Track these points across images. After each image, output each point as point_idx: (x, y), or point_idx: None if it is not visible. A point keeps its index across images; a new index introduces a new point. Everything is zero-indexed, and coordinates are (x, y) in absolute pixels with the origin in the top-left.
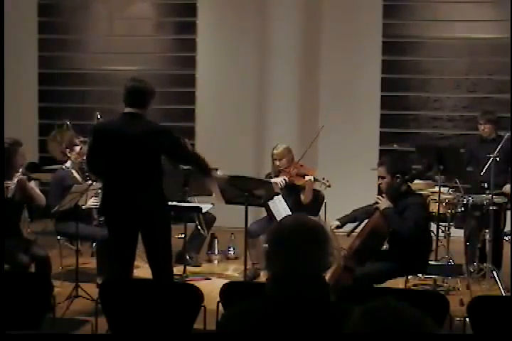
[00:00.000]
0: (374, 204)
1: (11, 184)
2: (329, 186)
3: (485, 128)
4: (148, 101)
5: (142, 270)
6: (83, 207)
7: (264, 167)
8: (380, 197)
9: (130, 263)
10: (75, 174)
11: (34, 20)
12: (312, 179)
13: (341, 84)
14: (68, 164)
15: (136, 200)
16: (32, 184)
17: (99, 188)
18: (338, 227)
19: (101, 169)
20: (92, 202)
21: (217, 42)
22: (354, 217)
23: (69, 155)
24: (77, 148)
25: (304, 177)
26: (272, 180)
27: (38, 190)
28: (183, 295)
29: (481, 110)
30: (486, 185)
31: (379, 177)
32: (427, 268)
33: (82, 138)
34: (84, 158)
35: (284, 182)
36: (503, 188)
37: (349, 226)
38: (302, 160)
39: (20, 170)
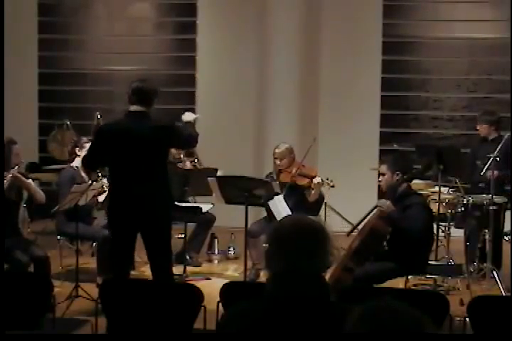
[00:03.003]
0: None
1: (5, 181)
2: (333, 186)
3: (480, 128)
4: (153, 99)
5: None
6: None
7: (264, 167)
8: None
9: (128, 263)
10: (83, 174)
11: (34, 20)
12: (320, 180)
13: (341, 84)
14: (77, 163)
15: (144, 198)
16: (29, 181)
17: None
18: None
19: (99, 165)
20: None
21: (217, 42)
22: None
23: (79, 153)
24: (88, 145)
25: (306, 177)
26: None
27: (36, 187)
28: (183, 295)
29: (481, 110)
30: (484, 185)
31: (379, 174)
32: (427, 268)
33: (90, 137)
34: None
35: None
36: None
37: (348, 226)
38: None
39: (16, 167)
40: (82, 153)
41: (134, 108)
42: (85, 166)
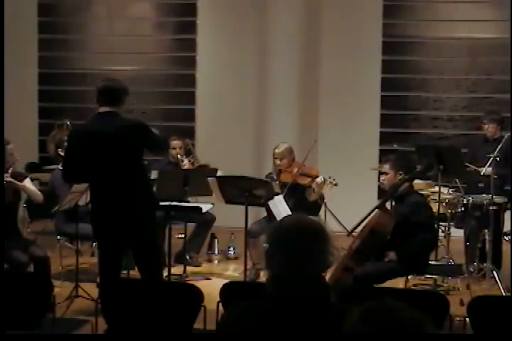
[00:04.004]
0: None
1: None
2: (336, 184)
3: (489, 128)
4: (121, 98)
5: None
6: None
7: (264, 167)
8: None
9: (118, 267)
10: None
11: (34, 20)
12: (322, 179)
13: (341, 84)
14: None
15: (126, 201)
16: (26, 182)
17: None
18: None
19: (78, 175)
20: None
21: (217, 42)
22: None
23: (62, 154)
24: None
25: (309, 177)
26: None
27: (32, 187)
28: (183, 295)
29: (482, 110)
30: (483, 185)
31: (382, 173)
32: (427, 268)
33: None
34: None
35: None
36: (483, 171)
37: (348, 226)
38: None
39: (10, 170)
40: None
41: (102, 109)
42: (64, 178)
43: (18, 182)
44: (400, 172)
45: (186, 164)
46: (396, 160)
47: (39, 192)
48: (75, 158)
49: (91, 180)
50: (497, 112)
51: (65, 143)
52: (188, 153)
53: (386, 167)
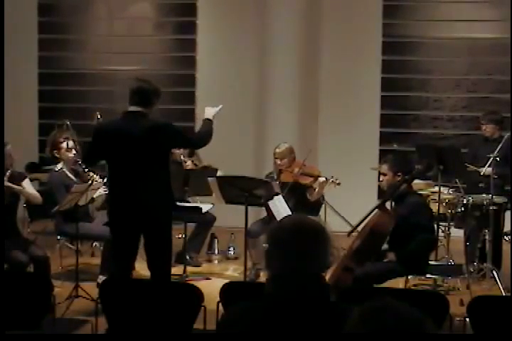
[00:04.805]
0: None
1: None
2: (339, 184)
3: (486, 128)
4: (153, 100)
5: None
6: (95, 195)
7: (264, 167)
8: None
9: (130, 263)
10: (70, 174)
11: (34, 20)
12: (325, 179)
13: (341, 84)
14: (60, 165)
15: (143, 200)
16: (25, 182)
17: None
18: None
19: (97, 161)
20: (100, 192)
21: (217, 42)
22: None
23: (57, 155)
24: (64, 145)
25: (310, 176)
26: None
27: (31, 189)
28: (183, 295)
29: (482, 110)
30: (484, 185)
31: (380, 174)
32: (427, 268)
33: (65, 135)
34: (74, 152)
35: None
36: (482, 171)
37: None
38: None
39: (8, 172)
40: (63, 154)
41: (132, 108)
42: (85, 163)
43: (15, 186)
44: (399, 174)
45: (189, 165)
46: (394, 161)
47: (38, 195)
48: (95, 151)
49: (112, 177)
50: (495, 112)
51: (60, 145)
52: (191, 153)
53: (384, 168)
